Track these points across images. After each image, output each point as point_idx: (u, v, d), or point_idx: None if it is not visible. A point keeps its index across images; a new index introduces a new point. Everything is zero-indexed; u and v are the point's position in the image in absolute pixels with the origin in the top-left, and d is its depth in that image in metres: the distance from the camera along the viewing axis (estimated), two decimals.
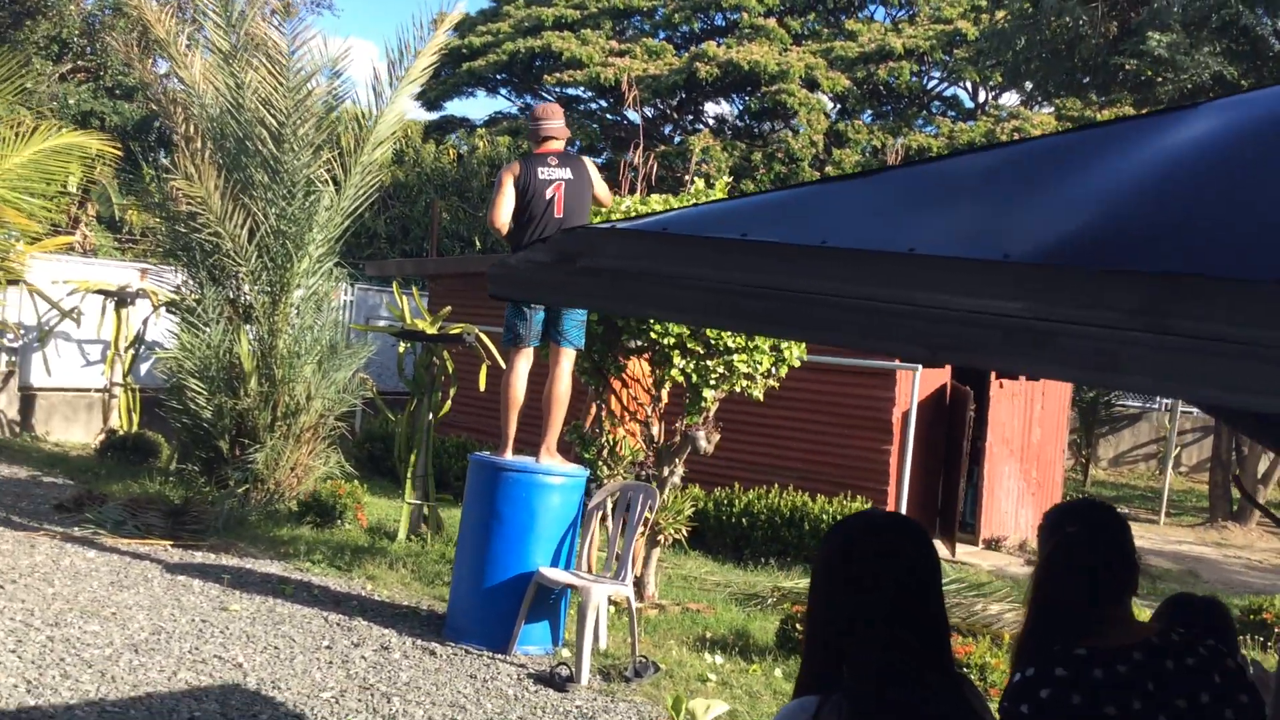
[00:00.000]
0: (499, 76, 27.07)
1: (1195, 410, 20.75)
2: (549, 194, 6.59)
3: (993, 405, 11.13)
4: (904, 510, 9.86)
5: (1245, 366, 1.20)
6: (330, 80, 10.04)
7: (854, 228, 1.63)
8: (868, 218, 1.67)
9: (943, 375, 10.87)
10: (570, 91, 25.86)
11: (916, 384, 10.24)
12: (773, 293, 1.52)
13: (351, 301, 15.22)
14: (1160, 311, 1.25)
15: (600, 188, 7.00)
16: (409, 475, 9.12)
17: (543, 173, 6.61)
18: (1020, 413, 11.95)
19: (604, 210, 7.34)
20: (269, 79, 9.48)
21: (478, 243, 18.11)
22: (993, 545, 11.40)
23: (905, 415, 10.27)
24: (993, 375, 10.98)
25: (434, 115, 28.70)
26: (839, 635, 1.94)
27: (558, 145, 6.88)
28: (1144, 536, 11.58)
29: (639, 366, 7.81)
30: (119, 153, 11.50)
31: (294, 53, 9.51)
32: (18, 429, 12.62)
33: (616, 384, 7.83)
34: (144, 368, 13.03)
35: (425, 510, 9.04)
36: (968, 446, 10.68)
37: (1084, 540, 2.39)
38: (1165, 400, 19.24)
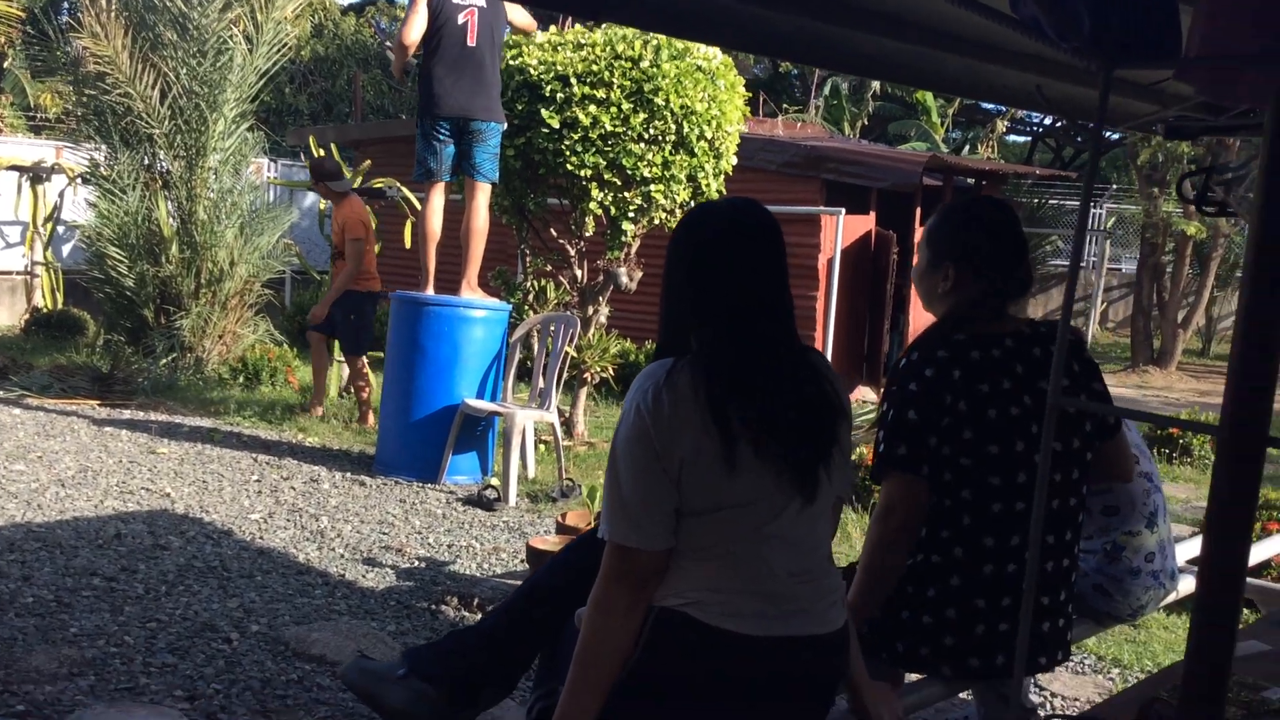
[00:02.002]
0: None
1: (1121, 266, 21.18)
2: (461, 19, 6.49)
3: (916, 251, 11.28)
4: (830, 356, 10.05)
5: None
6: None
7: None
8: None
9: (868, 222, 10.98)
10: None
11: (840, 230, 10.35)
12: None
13: (276, 177, 14.96)
14: None
15: (519, 15, 6.91)
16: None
17: None
18: None
19: (528, 37, 7.25)
20: None
21: (403, 117, 17.87)
22: None
23: (830, 262, 10.40)
24: (916, 221, 11.12)
25: None
26: (692, 309, 2.02)
27: None
28: None
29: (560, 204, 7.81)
30: (21, 14, 11.12)
31: None
32: None
33: (539, 224, 7.84)
34: (65, 249, 12.80)
35: None
36: (891, 292, 10.85)
37: (984, 244, 2.48)
38: (1093, 258, 19.60)
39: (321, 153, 9.32)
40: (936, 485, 2.34)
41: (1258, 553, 4.29)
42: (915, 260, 2.62)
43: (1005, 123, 25.47)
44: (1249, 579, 3.95)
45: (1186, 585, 3.10)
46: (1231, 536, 1.63)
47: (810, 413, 1.99)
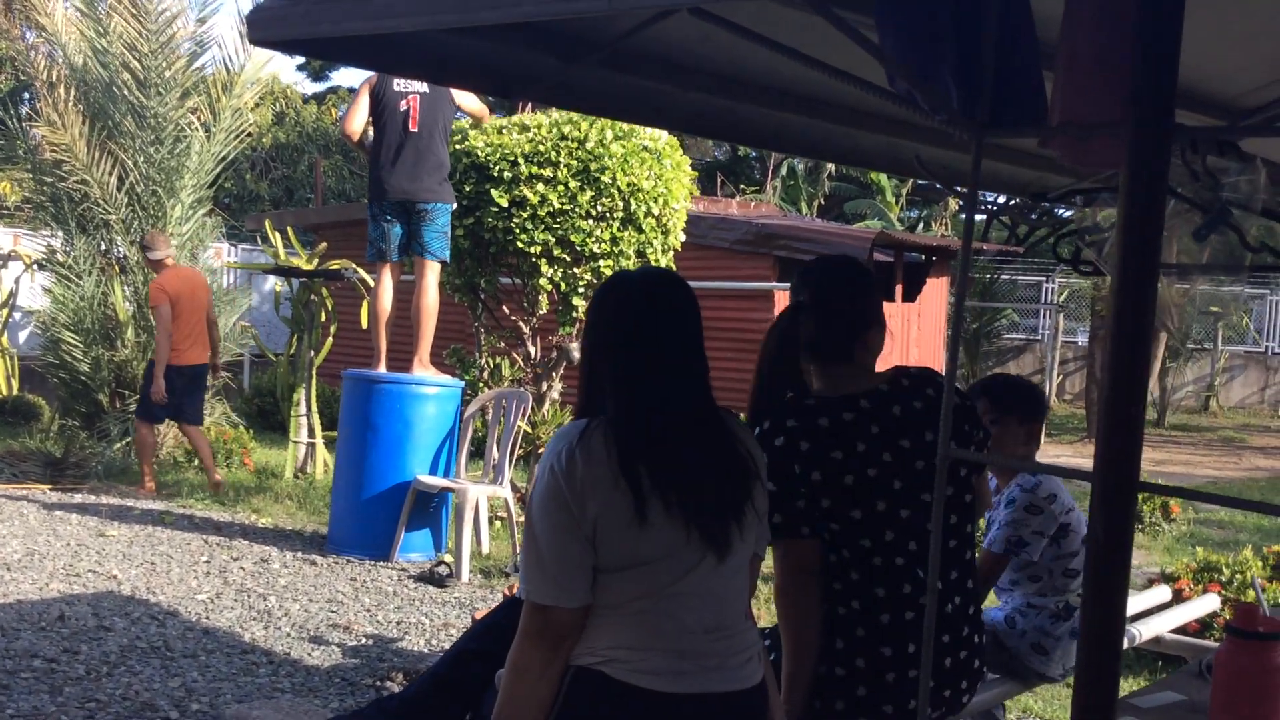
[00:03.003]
0: None
1: (1077, 339, 21.51)
2: (402, 106, 6.64)
3: None
4: None
5: None
6: (197, 24, 9.90)
7: None
8: None
9: None
10: None
11: None
12: None
13: (236, 261, 15.03)
14: None
15: (470, 102, 7.03)
16: (293, 414, 9.11)
17: (398, 84, 6.65)
18: (897, 332, 12.33)
19: (490, 130, 7.40)
20: (132, 22, 9.35)
21: (363, 201, 18.04)
22: None
23: None
24: None
25: (320, 86, 28.32)
26: (606, 372, 2.07)
27: None
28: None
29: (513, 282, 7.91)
30: None
31: None
32: None
33: (492, 303, 7.93)
34: (22, 335, 12.76)
35: (312, 447, 9.04)
36: None
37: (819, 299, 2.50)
38: (1047, 331, 19.92)
39: (277, 236, 9.40)
40: (823, 541, 2.39)
41: (1196, 609, 4.37)
42: None
43: (958, 201, 25.98)
44: (1178, 635, 4.03)
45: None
46: (1110, 573, 1.70)
47: (720, 472, 2.04)
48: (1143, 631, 3.77)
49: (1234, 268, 1.75)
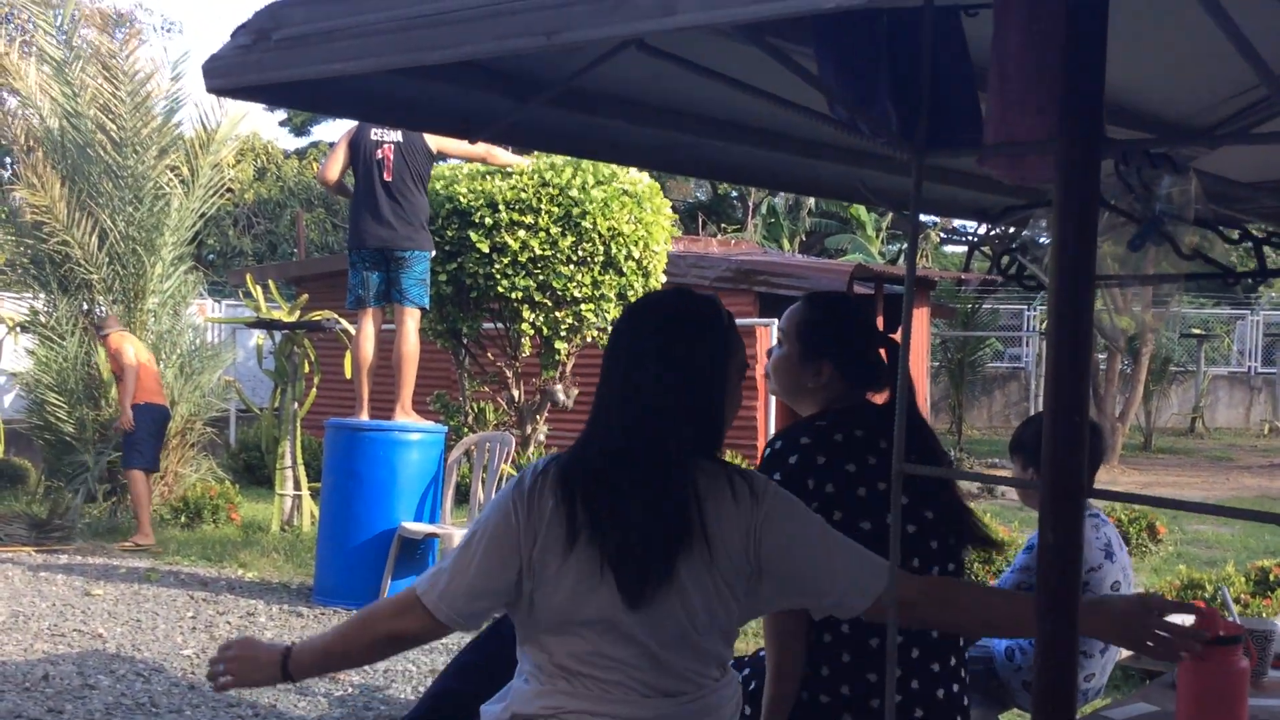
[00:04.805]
0: None
1: None
2: (378, 155, 6.70)
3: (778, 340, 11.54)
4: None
5: None
6: (172, 83, 9.99)
7: None
8: None
9: None
10: None
11: (775, 339, 10.58)
12: None
13: (218, 317, 15.06)
14: None
15: (454, 146, 6.95)
16: (278, 467, 9.10)
17: (375, 134, 6.71)
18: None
19: (475, 176, 7.41)
20: (106, 85, 9.44)
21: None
22: None
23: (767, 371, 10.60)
24: None
25: (302, 141, 28.51)
26: (618, 402, 1.97)
27: None
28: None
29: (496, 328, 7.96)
30: None
31: (129, 55, 9.47)
32: None
33: (475, 348, 7.97)
34: (7, 399, 12.74)
35: (298, 499, 9.02)
36: None
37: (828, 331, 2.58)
38: (1030, 359, 20.03)
39: (258, 289, 9.44)
40: None
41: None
42: (776, 348, 2.69)
43: (939, 234, 26.18)
44: None
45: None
46: (1061, 580, 1.73)
47: (656, 530, 1.89)
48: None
49: (1171, 278, 1.79)
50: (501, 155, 7.22)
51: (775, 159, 2.98)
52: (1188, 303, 20.31)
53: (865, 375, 2.58)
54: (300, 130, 28.04)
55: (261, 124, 69.22)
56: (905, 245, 23.93)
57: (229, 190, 10.56)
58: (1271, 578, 5.78)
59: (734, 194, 27.53)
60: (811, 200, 23.61)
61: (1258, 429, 20.55)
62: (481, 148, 7.15)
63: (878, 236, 24.32)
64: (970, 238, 30.66)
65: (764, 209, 25.23)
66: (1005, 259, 2.25)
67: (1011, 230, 2.28)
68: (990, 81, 1.83)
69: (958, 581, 2.51)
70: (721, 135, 2.61)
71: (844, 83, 1.88)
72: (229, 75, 1.98)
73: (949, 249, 31.61)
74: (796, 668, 2.39)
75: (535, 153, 7.95)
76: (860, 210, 23.41)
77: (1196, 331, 20.14)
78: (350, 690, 4.92)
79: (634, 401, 1.94)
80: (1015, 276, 2.03)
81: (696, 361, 1.97)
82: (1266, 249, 1.98)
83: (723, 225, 25.59)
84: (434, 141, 6.89)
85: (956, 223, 30.47)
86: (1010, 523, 8.40)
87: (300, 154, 24.89)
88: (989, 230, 3.42)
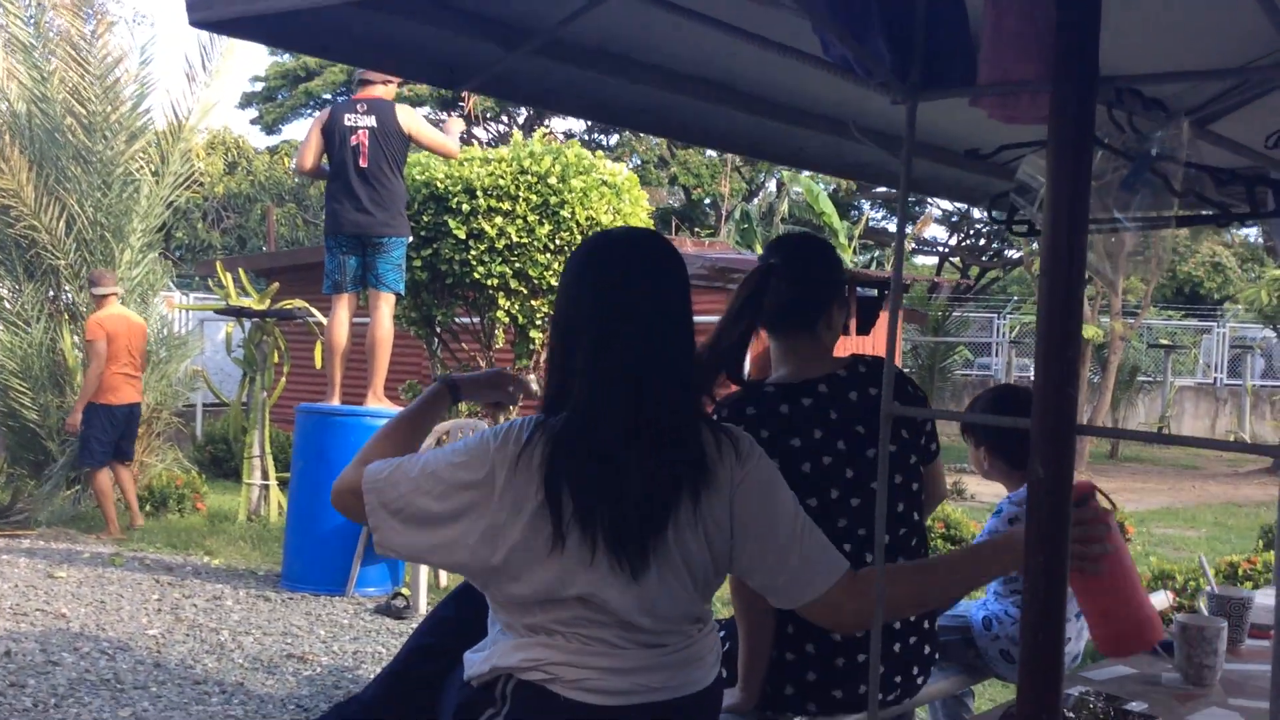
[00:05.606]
0: (337, 98, 26.88)
1: (1029, 374, 21.77)
2: (353, 142, 6.62)
3: None
4: None
5: None
6: (141, 67, 9.88)
7: None
8: None
9: None
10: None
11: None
12: None
13: (186, 303, 14.91)
14: None
15: (424, 132, 6.89)
16: (245, 456, 9.00)
17: (348, 119, 6.65)
18: None
19: (452, 161, 7.34)
20: (75, 68, 9.33)
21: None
22: None
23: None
24: None
25: (274, 140, 28.30)
26: (567, 356, 1.89)
27: (374, 90, 6.72)
28: (983, 489, 12.10)
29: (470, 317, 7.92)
30: None
31: (98, 38, 9.37)
32: None
33: (448, 338, 7.92)
34: None
35: (265, 489, 8.93)
36: None
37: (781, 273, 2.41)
38: (999, 367, 20.15)
39: (228, 276, 9.35)
40: None
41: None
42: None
43: (911, 240, 26.32)
44: None
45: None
46: (1051, 515, 1.72)
47: (656, 504, 1.82)
48: None
49: (1163, 219, 1.79)
50: (454, 145, 7.11)
51: (764, 126, 2.98)
52: (1154, 314, 20.47)
53: (792, 313, 2.47)
54: (271, 129, 27.83)
55: (233, 121, 68.84)
56: (875, 254, 23.94)
57: (199, 183, 10.43)
58: (1240, 572, 5.83)
59: (707, 200, 27.57)
60: (785, 207, 23.71)
61: (1223, 439, 20.78)
62: (441, 138, 7.01)
63: (850, 245, 24.40)
64: (941, 248, 30.79)
65: (737, 214, 25.30)
66: (981, 256, 2.24)
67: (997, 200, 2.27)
68: (985, 21, 1.83)
69: (897, 567, 2.29)
70: (710, 97, 2.59)
71: (838, 21, 1.87)
72: (212, 7, 1.96)
73: (920, 260, 31.85)
74: (768, 629, 2.36)
75: (514, 141, 7.93)
76: (833, 218, 23.49)
77: (1164, 342, 20.37)
78: (319, 670, 4.87)
79: (627, 359, 1.81)
80: (1005, 222, 2.02)
81: (685, 307, 1.88)
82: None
83: (696, 230, 25.64)
84: (405, 124, 6.79)
85: (928, 234, 30.75)
86: (980, 519, 8.43)
87: (272, 151, 24.73)
88: (960, 242, 3.42)
